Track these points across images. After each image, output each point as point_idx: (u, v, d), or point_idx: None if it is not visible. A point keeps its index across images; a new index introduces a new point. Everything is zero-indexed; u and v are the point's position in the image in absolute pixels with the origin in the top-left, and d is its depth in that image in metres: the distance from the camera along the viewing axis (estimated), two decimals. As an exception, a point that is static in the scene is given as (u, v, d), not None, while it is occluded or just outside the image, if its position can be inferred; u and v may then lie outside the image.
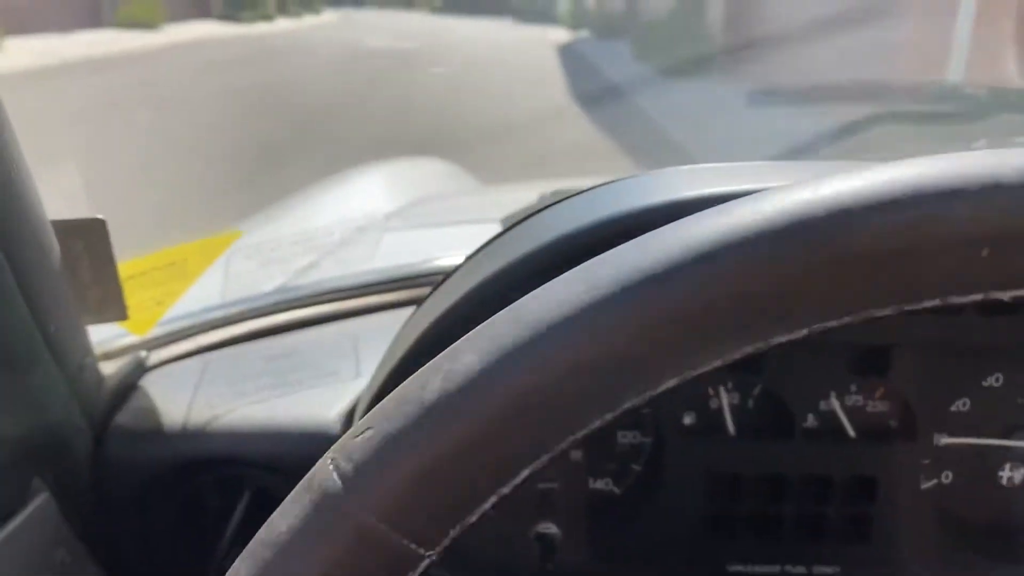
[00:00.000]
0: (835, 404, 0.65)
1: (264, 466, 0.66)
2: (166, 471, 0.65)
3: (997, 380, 0.65)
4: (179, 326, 0.75)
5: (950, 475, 0.67)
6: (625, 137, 6.05)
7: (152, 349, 0.73)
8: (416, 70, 10.64)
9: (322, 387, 0.69)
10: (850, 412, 0.65)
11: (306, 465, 0.65)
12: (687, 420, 0.66)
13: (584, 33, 16.71)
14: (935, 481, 0.67)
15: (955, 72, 5.15)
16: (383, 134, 6.15)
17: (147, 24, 10.52)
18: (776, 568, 0.68)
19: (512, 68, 11.78)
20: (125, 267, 0.62)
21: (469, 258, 0.65)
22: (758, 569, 0.68)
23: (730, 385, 0.65)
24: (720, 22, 10.30)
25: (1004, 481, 0.67)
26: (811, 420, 0.65)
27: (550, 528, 0.65)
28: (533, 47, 15.63)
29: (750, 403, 0.65)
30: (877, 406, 0.65)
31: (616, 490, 0.69)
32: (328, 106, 7.31)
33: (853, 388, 0.65)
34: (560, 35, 16.47)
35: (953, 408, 0.65)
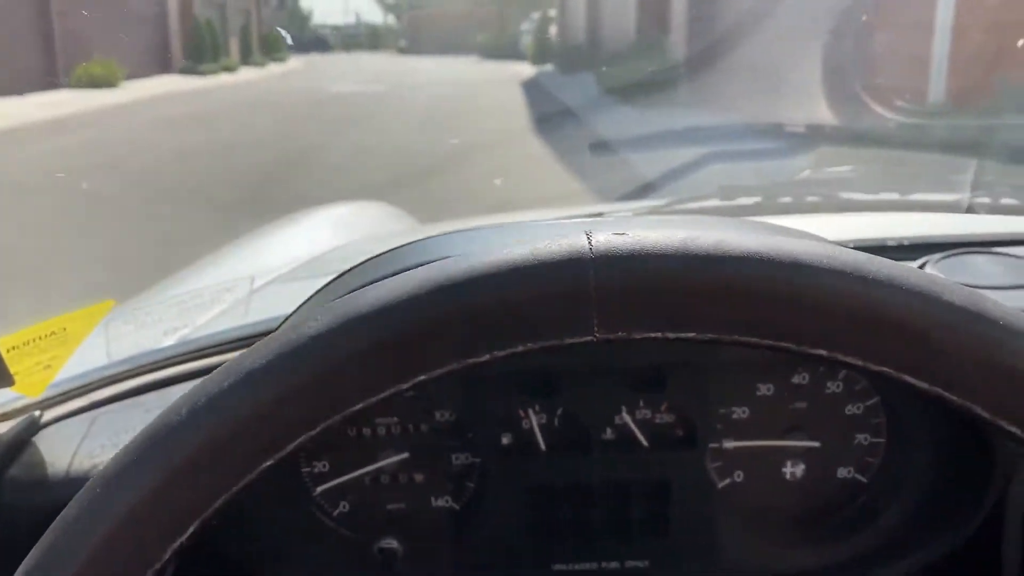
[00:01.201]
0: (627, 419, 0.75)
1: None
2: (51, 517, 0.73)
3: (769, 389, 0.76)
4: (71, 386, 0.84)
5: (741, 474, 0.78)
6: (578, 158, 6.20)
7: (46, 408, 0.82)
8: (383, 113, 10.80)
9: None
10: (640, 425, 0.75)
11: None
12: (505, 440, 0.76)
13: (548, 67, 16.98)
14: (729, 480, 0.78)
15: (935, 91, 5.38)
16: (342, 181, 6.25)
17: (105, 83, 10.59)
18: (594, 565, 0.78)
19: (477, 103, 11.99)
20: (6, 340, 0.72)
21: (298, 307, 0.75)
22: (579, 567, 0.78)
23: (537, 408, 0.75)
24: (682, 51, 10.53)
25: (788, 476, 0.78)
26: (608, 433, 0.76)
27: (391, 543, 0.75)
28: (498, 83, 15.90)
29: (556, 422, 0.76)
30: (664, 418, 0.76)
31: (456, 506, 0.78)
32: (287, 157, 7.40)
33: (641, 403, 0.75)
34: (525, 69, 16.72)
35: (735, 416, 0.76)
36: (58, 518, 0.39)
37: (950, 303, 0.36)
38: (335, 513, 0.78)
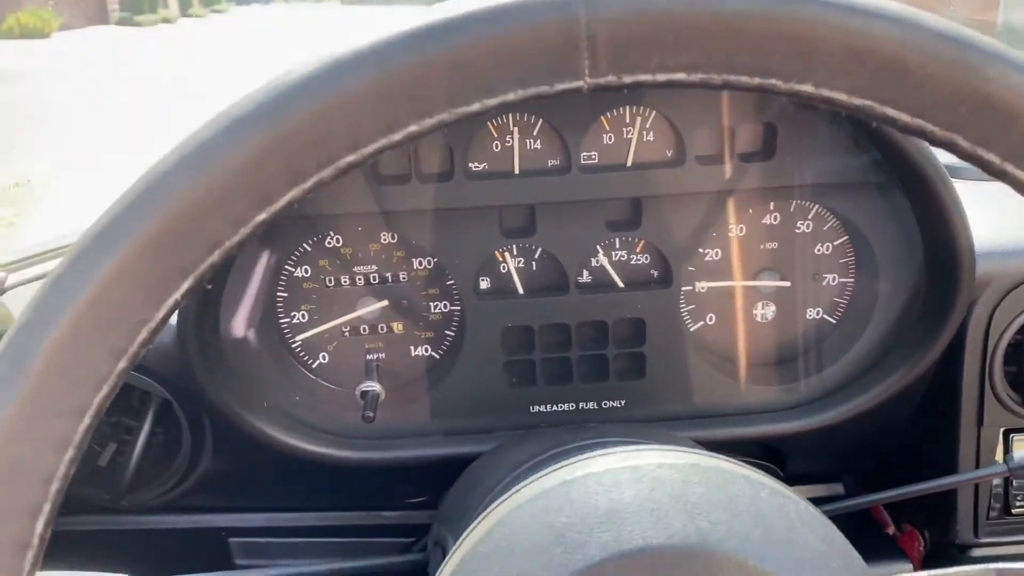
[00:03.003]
0: (604, 260, 0.76)
1: None
2: None
3: (741, 230, 0.77)
4: (36, 251, 0.83)
5: (714, 317, 0.80)
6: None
7: (11, 271, 0.81)
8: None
9: None
10: (617, 266, 0.77)
11: (154, 354, 0.74)
12: (484, 285, 0.77)
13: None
14: (702, 323, 0.80)
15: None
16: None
17: (37, 33, 10.21)
18: (572, 406, 0.79)
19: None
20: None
21: None
22: (557, 408, 0.79)
23: (514, 250, 0.76)
24: None
25: (759, 318, 0.80)
26: (585, 276, 0.77)
27: (372, 387, 0.75)
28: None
29: (533, 265, 0.77)
30: (639, 259, 0.77)
31: (436, 355, 0.79)
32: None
33: (617, 244, 0.76)
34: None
35: (708, 258, 0.78)
36: (48, 276, 0.38)
37: (931, 30, 0.37)
38: (315, 364, 0.78)
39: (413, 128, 0.38)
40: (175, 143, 0.38)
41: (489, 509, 0.44)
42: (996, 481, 0.83)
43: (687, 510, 0.41)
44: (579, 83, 0.39)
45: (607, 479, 0.43)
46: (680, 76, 0.37)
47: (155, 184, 0.36)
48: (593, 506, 0.42)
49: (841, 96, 0.38)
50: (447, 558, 0.44)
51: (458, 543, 0.44)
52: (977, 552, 0.85)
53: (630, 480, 0.43)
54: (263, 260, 0.74)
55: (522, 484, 0.45)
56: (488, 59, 0.37)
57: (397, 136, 0.38)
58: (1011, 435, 0.81)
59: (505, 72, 0.38)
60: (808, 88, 0.38)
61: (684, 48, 0.38)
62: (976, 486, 0.82)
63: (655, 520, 0.40)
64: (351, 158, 0.37)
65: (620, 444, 0.50)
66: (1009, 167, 0.38)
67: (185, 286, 0.36)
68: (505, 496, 0.44)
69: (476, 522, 0.44)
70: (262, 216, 0.37)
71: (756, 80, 0.39)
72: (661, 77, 0.38)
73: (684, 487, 0.42)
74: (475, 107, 0.37)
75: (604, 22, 0.38)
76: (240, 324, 0.75)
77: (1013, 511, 0.83)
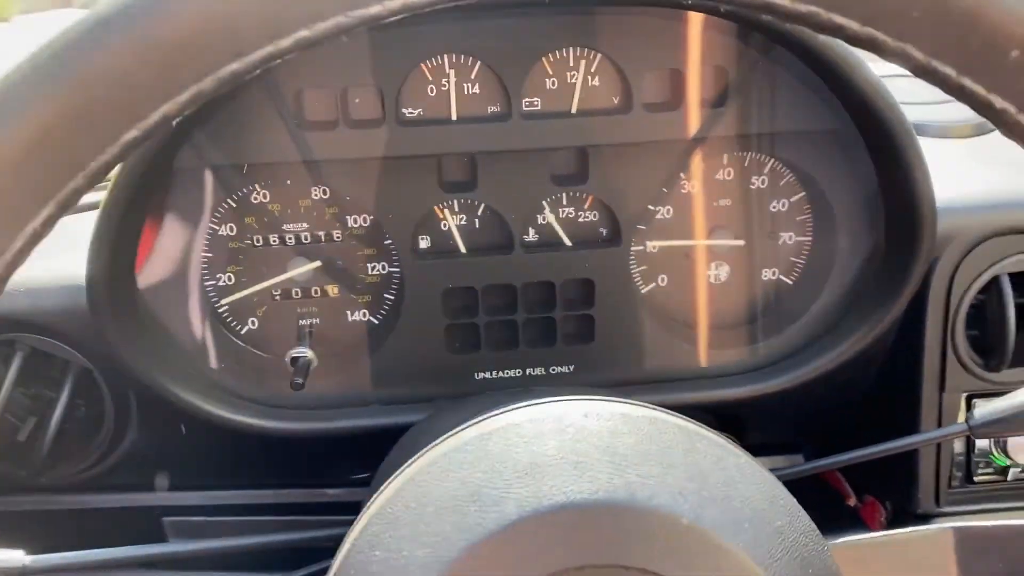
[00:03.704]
0: (550, 217, 0.72)
1: (29, 324, 0.69)
2: None
3: (693, 186, 0.73)
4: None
5: (666, 278, 0.76)
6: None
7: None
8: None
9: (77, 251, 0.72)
10: (564, 223, 0.73)
11: (70, 319, 0.69)
12: (423, 244, 0.73)
13: None
14: (653, 284, 0.76)
15: None
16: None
17: (-4, 16, 9.98)
18: (518, 372, 0.75)
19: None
20: None
21: None
22: (503, 375, 0.75)
23: (456, 207, 0.72)
24: None
25: (713, 279, 0.76)
26: (532, 234, 0.73)
27: (303, 353, 0.71)
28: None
29: (476, 222, 0.72)
30: (587, 216, 0.73)
31: (374, 320, 0.75)
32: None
33: (564, 200, 0.72)
34: None
35: (659, 216, 0.74)
36: None
37: None
38: (243, 330, 0.73)
39: (303, 33, 0.33)
40: (31, 51, 0.33)
41: (402, 468, 0.40)
42: (958, 449, 0.80)
43: (615, 462, 0.37)
44: None
45: (528, 430, 0.39)
46: None
47: (3, 97, 0.31)
48: (512, 459, 0.38)
49: (784, 1, 0.34)
50: (355, 521, 0.40)
51: (367, 505, 0.40)
52: (939, 521, 0.82)
53: (553, 431, 0.39)
54: (185, 217, 0.69)
55: (439, 439, 0.41)
56: None
57: (285, 42, 0.33)
58: (974, 400, 0.78)
59: None
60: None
61: None
62: (938, 454, 0.80)
63: (579, 473, 0.37)
64: (234, 66, 0.32)
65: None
66: (967, 81, 0.35)
67: (45, 213, 0.32)
68: (420, 453, 0.40)
69: (387, 482, 0.40)
70: (132, 134, 0.32)
71: None
72: None
73: (612, 438, 0.38)
74: (375, 9, 0.33)
75: None
76: (160, 286, 0.70)
77: (975, 479, 0.81)
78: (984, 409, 0.57)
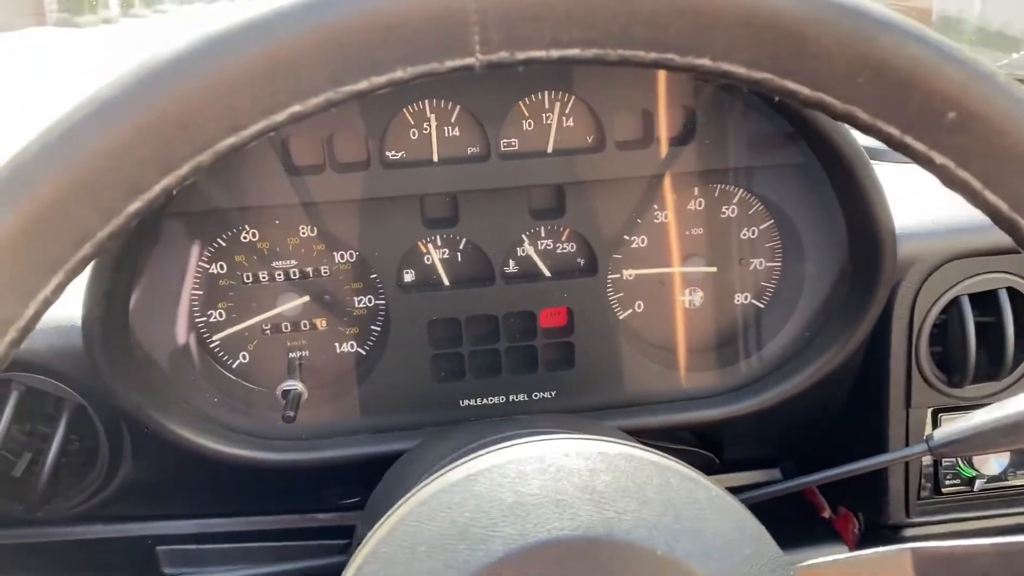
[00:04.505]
0: (529, 249, 0.75)
1: (25, 363, 0.71)
2: None
3: (666, 216, 0.77)
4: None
5: (642, 304, 0.79)
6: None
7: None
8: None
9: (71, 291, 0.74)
10: (543, 255, 0.76)
11: (64, 358, 0.70)
12: (408, 278, 0.75)
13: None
14: (630, 311, 0.79)
15: None
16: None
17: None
18: (502, 398, 0.78)
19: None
20: None
21: None
22: (487, 401, 0.78)
23: (438, 241, 0.74)
24: None
25: (688, 304, 0.80)
26: (512, 266, 0.76)
27: (294, 386, 0.73)
28: None
29: (458, 256, 0.75)
30: (565, 247, 0.76)
31: (361, 351, 0.77)
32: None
33: (542, 233, 0.75)
34: None
35: (634, 245, 0.77)
36: None
37: (825, 0, 0.36)
38: (235, 364, 0.76)
39: (296, 108, 0.35)
40: (39, 129, 0.36)
41: (394, 508, 0.43)
42: (927, 461, 0.84)
43: (594, 499, 0.40)
44: (470, 60, 0.37)
45: (512, 471, 0.42)
46: (574, 52, 0.36)
47: (15, 174, 0.33)
48: (497, 499, 0.40)
49: (740, 69, 0.37)
50: (350, 561, 0.42)
51: (362, 544, 0.42)
52: (909, 532, 0.86)
53: (536, 471, 0.42)
54: (176, 257, 0.71)
55: (428, 480, 0.43)
56: (372, 34, 0.35)
57: (279, 117, 0.36)
58: (940, 415, 0.81)
59: (391, 48, 0.36)
60: (706, 62, 0.37)
61: (577, 23, 0.36)
62: (907, 467, 0.83)
63: (560, 511, 0.39)
64: (231, 140, 0.35)
65: (536, 434, 0.49)
66: (909, 139, 0.38)
67: (55, 282, 0.34)
68: (411, 493, 0.43)
69: (380, 522, 0.43)
70: (135, 205, 0.35)
71: (652, 55, 0.38)
72: (555, 53, 0.36)
73: (591, 476, 0.41)
74: (362, 85, 0.35)
75: (493, 4, 0.36)
76: (153, 324, 0.72)
77: (943, 490, 0.84)
78: (944, 430, 0.60)
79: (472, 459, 0.43)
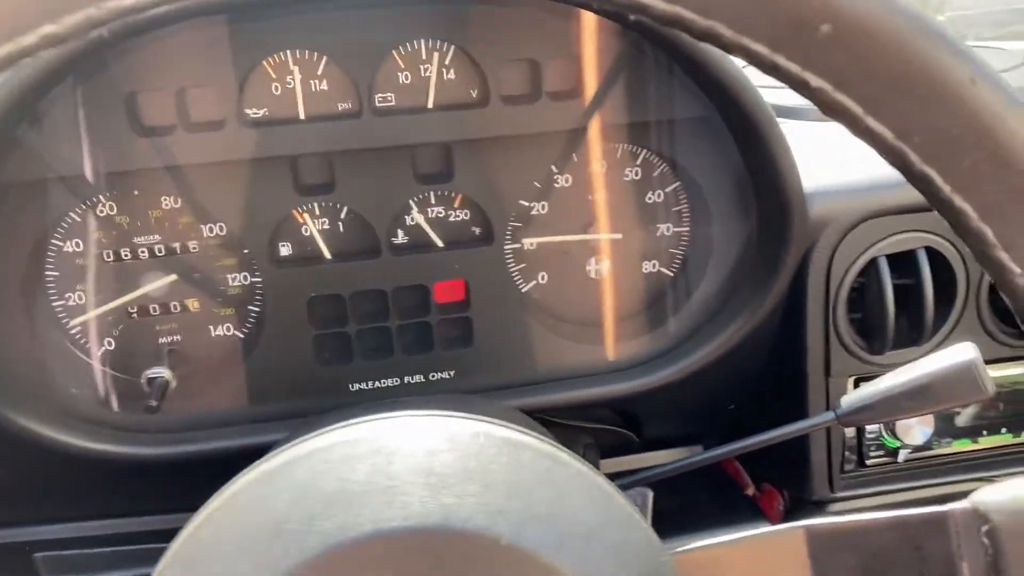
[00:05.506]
0: (419, 217, 0.69)
1: None
2: None
3: (567, 180, 0.71)
4: None
5: (546, 276, 0.74)
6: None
7: None
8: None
9: None
10: (434, 223, 0.70)
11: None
12: (284, 251, 0.69)
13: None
14: (534, 283, 0.74)
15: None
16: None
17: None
18: (396, 381, 0.72)
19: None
20: None
21: None
22: (379, 384, 0.72)
23: (316, 211, 0.68)
24: None
25: (593, 274, 0.74)
26: (400, 236, 0.70)
27: (160, 373, 0.67)
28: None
29: (340, 227, 0.69)
30: (458, 215, 0.70)
31: (239, 334, 0.71)
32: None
33: (432, 199, 0.69)
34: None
35: (533, 212, 0.72)
36: None
37: None
38: (99, 352, 0.69)
39: (49, 28, 0.30)
40: None
41: (205, 504, 0.37)
42: (850, 433, 0.80)
43: (430, 483, 0.34)
44: None
45: (337, 455, 0.36)
46: None
47: None
48: (317, 488, 0.35)
49: None
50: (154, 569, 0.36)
51: (168, 550, 0.36)
52: (834, 507, 0.82)
53: (366, 453, 0.36)
54: (19, 233, 0.64)
55: (246, 471, 0.38)
56: None
57: (29, 39, 0.30)
58: (861, 383, 0.77)
59: None
60: None
61: None
62: (828, 440, 0.79)
63: (389, 499, 0.34)
64: None
65: (384, 414, 0.43)
66: (780, 59, 0.32)
67: None
68: (225, 487, 0.37)
69: (189, 522, 0.37)
70: None
71: None
72: None
73: (429, 457, 0.36)
74: (128, 1, 0.29)
75: None
76: (1, 309, 0.65)
77: (867, 462, 0.80)
78: (850, 397, 0.56)
79: (297, 443, 0.38)
